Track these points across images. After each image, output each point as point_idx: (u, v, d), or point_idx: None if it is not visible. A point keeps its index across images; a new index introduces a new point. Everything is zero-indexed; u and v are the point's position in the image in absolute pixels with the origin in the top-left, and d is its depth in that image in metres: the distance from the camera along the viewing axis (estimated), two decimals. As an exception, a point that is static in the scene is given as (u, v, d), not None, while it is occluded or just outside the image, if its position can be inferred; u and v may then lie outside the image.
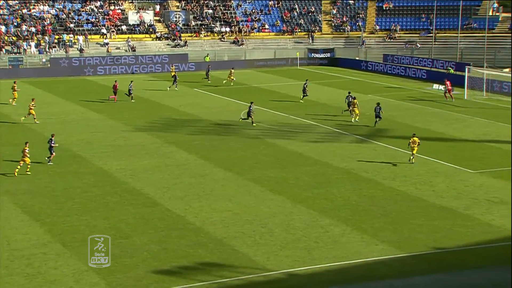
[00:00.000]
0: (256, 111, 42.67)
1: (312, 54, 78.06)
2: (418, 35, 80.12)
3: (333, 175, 31.30)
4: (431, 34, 75.73)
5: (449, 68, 63.12)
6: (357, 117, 43.36)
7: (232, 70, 61.06)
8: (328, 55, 77.92)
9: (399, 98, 52.80)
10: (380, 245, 22.61)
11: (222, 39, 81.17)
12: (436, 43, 76.00)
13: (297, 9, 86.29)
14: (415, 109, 47.76)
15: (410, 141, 33.58)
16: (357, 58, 76.01)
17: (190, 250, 22.12)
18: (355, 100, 44.04)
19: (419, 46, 77.25)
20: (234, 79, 59.79)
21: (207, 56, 74.72)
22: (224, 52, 78.45)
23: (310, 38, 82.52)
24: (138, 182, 30.05)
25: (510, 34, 74.41)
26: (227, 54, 78.32)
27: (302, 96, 51.01)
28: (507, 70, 65.55)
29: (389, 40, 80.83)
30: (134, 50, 75.59)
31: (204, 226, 24.31)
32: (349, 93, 46.17)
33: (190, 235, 23.14)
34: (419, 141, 33.53)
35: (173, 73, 59.05)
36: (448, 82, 52.34)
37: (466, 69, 54.57)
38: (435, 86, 57.76)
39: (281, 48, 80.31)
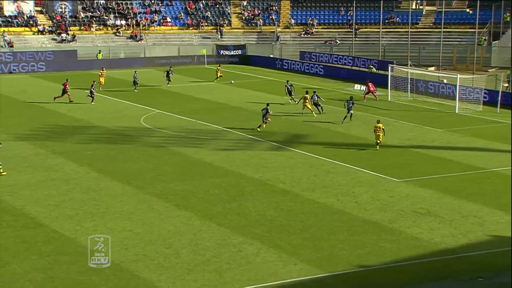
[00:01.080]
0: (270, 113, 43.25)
1: (221, 51, 78.46)
2: (337, 30, 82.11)
3: (246, 187, 31.48)
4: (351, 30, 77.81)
5: (371, 66, 65.10)
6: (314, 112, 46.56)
7: (219, 67, 63.81)
8: (239, 52, 78.59)
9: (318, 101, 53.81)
10: (299, 264, 22.88)
11: (117, 34, 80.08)
12: (356, 39, 78.13)
13: (203, 0, 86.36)
14: (336, 112, 48.87)
15: (375, 128, 37.84)
16: (271, 56, 77.08)
17: (82, 277, 21.54)
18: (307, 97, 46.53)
19: (339, 42, 79.16)
20: (221, 75, 62.64)
21: (100, 53, 73.51)
22: (120, 49, 77.48)
23: (219, 33, 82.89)
24: (18, 200, 29.05)
25: (435, 29, 77.51)
26: (123, 50, 77.39)
27: (290, 98, 51.49)
28: (432, 68, 68.40)
29: (305, 35, 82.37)
30: (12, 46, 73.07)
31: (99, 249, 23.74)
32: (314, 92, 48.75)
33: (82, 260, 22.53)
34: (383, 127, 37.92)
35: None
36: (370, 84, 53.93)
37: (389, 67, 56.41)
38: (357, 86, 59.37)
39: (185, 45, 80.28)
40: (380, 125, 38.05)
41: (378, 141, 38.07)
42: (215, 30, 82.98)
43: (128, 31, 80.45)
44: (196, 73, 69.78)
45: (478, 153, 38.05)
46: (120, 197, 29.82)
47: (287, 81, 50.97)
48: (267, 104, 44.00)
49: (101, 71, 59.20)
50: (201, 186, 31.56)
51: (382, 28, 74.02)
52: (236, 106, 51.65)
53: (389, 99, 54.11)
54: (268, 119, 42.76)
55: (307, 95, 47.40)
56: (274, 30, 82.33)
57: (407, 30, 71.33)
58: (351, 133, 42.75)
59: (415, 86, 55.91)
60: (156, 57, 75.54)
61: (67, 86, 51.32)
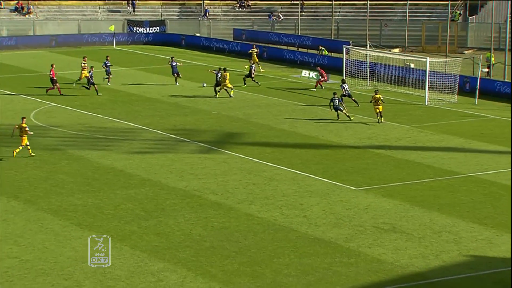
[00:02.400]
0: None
1: (134, 28, 77.92)
2: (279, 2, 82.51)
3: (168, 200, 31.34)
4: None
5: (322, 48, 65.72)
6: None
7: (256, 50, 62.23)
8: (157, 29, 78.23)
9: (256, 90, 54.11)
10: (234, 295, 22.93)
11: (-2, 6, 78.52)
12: (303, 13, 78.72)
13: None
14: (279, 104, 49.14)
15: (372, 100, 42.82)
16: (197, 35, 76.95)
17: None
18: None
19: (282, 17, 79.63)
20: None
21: None
22: (2, 25, 75.96)
23: (130, 5, 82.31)
24: None
25: (399, 2, 78.62)
26: (5, 27, 75.95)
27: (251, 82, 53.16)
28: (396, 50, 69.47)
29: (240, 9, 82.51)
30: None
31: (-22, 282, 23.35)
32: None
33: None
34: (382, 97, 42.87)
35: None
36: (321, 70, 54.41)
37: (344, 49, 57.03)
38: (305, 72, 59.86)
39: (88, 20, 79.44)
40: (379, 95, 43.05)
41: (379, 115, 43.59)
42: (126, 1, 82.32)
43: (12, 2, 78.99)
44: (102, 56, 68.99)
45: (453, 155, 38.83)
46: (3, 215, 29.25)
47: (219, 68, 51.06)
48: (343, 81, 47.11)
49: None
50: (109, 200, 31.23)
51: (335, 1, 74.84)
52: (153, 98, 51.38)
53: (344, 88, 54.66)
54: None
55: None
56: (200, 2, 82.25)
57: (365, 3, 72.23)
58: (297, 131, 43.07)
59: (376, 72, 56.67)
60: (49, 35, 74.44)
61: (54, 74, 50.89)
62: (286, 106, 48.64)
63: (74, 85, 52.38)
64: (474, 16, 76.23)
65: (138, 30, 77.72)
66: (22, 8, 78.46)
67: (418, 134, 42.90)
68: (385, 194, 32.45)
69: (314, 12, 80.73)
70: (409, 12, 68.38)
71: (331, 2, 74.02)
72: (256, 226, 28.63)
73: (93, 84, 50.45)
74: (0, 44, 70.73)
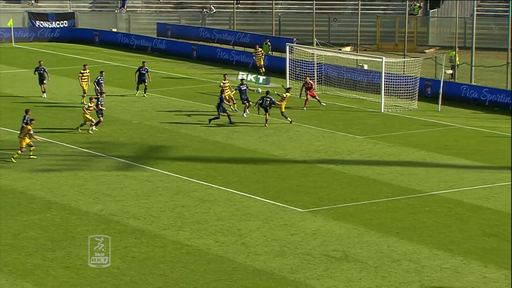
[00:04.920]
0: None
1: (37, 22, 77.05)
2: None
3: (79, 227, 31.04)
4: None
5: (268, 43, 65.07)
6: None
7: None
8: (65, 24, 77.49)
9: (184, 96, 53.95)
10: None
11: None
12: (240, 6, 78.84)
13: None
14: (211, 113, 49.05)
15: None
16: (113, 30, 76.44)
17: None
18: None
19: (215, 10, 79.66)
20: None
21: None
22: None
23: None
24: None
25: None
26: None
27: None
28: (347, 49, 69.98)
29: (165, 0, 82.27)
30: None
31: None
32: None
33: None
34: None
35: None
36: (310, 82, 52.19)
37: (287, 47, 57.20)
38: (242, 74, 59.85)
39: (-20, 12, 78.22)
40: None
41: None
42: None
43: None
44: None
45: (413, 170, 39.22)
46: None
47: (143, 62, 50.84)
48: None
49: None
50: (7, 227, 30.79)
51: (276, -9, 75.12)
52: (59, 104, 50.85)
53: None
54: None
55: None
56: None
57: (312, -7, 72.60)
58: (234, 143, 43.08)
59: (324, 74, 56.98)
60: None
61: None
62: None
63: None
64: (435, 10, 77.11)
65: (42, 24, 76.84)
66: None
67: (373, 146, 43.24)
68: (336, 216, 32.60)
69: (252, 4, 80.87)
70: (361, 5, 68.90)
71: (272, -8, 74.09)
72: (185, 256, 28.50)
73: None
74: None
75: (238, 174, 38.04)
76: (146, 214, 32.47)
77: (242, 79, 50.02)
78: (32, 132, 39.02)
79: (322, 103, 51.16)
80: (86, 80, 50.60)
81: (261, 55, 61.06)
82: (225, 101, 46.14)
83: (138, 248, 29.09)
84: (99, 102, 44.41)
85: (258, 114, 46.28)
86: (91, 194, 34.69)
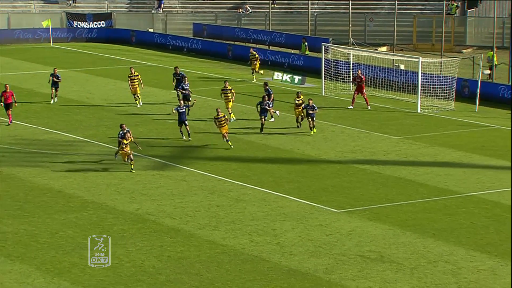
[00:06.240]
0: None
1: (75, 23, 77.50)
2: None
3: (115, 226, 31.20)
4: None
5: (305, 42, 65.07)
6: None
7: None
8: (102, 24, 77.88)
9: (219, 96, 53.87)
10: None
11: None
12: (276, 6, 78.81)
13: None
14: (247, 112, 49.06)
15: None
16: (150, 30, 76.74)
17: None
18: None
19: (250, 10, 79.71)
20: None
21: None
22: None
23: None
24: None
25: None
26: None
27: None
28: (384, 49, 69.72)
29: (201, 0, 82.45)
30: None
31: None
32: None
33: None
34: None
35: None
36: (362, 76, 51.52)
37: (323, 47, 57.08)
38: (277, 75, 59.84)
39: (19, 13, 78.92)
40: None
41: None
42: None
43: None
44: (37, 55, 68.73)
45: (449, 171, 39.02)
46: None
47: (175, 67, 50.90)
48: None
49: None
50: (45, 226, 31.01)
51: (312, -9, 75.02)
52: (98, 105, 51.13)
53: (323, 94, 54.78)
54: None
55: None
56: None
57: (348, -7, 72.46)
58: (269, 143, 43.04)
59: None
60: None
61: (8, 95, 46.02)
62: (255, 114, 48.48)
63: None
64: (473, 9, 76.67)
65: (79, 25, 77.26)
66: None
67: (410, 146, 43.05)
68: (372, 217, 32.51)
69: (288, 4, 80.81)
70: (398, 5, 68.73)
71: (307, -8, 74.05)
72: (220, 255, 28.54)
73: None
74: None
75: (273, 174, 38.02)
76: (182, 214, 32.58)
77: (266, 84, 48.31)
78: (132, 139, 38.12)
79: (368, 106, 50.73)
80: (136, 82, 49.59)
81: (255, 59, 58.86)
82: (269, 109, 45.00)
83: (173, 247, 29.19)
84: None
85: (257, 111, 45.00)
86: (127, 194, 34.86)
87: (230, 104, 46.73)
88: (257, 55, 59.00)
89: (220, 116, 41.18)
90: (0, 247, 29.00)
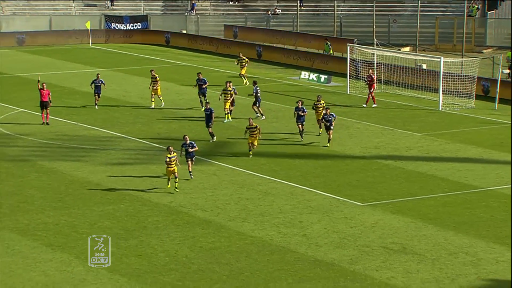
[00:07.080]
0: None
1: (113, 24, 77.87)
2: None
3: (150, 217, 31.42)
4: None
5: (328, 43, 65.06)
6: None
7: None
8: (138, 26, 78.17)
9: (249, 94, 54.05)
10: (225, 325, 22.94)
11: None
12: (303, 8, 78.85)
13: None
14: (274, 110, 49.15)
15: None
16: (183, 32, 76.95)
17: None
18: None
19: (279, 12, 79.75)
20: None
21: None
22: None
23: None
24: None
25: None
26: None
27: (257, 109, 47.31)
28: (407, 49, 69.57)
29: (232, 3, 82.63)
30: None
31: None
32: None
33: None
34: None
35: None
36: (372, 76, 51.39)
37: (348, 48, 57.06)
38: (304, 74, 59.92)
39: (60, 15, 79.36)
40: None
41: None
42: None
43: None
44: (77, 55, 69.09)
45: (470, 166, 38.93)
46: (-35, 234, 29.26)
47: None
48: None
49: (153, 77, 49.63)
50: (84, 217, 31.26)
51: (338, -7, 74.93)
52: (135, 103, 51.38)
53: (348, 92, 54.79)
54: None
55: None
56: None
57: (372, -5, 72.31)
58: (295, 139, 43.07)
59: (384, 74, 56.73)
60: (16, 32, 74.33)
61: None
62: (282, 111, 48.61)
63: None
64: (493, 11, 76.28)
65: (117, 26, 77.62)
66: (-14, 2, 78.38)
67: (431, 143, 42.98)
68: (394, 210, 32.52)
69: (315, 6, 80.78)
70: (421, 7, 68.48)
71: (333, -5, 73.94)
72: (249, 246, 28.66)
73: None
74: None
75: (300, 168, 38.10)
76: (213, 206, 32.74)
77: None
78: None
79: (374, 104, 50.56)
80: (157, 84, 48.74)
81: (245, 63, 57.01)
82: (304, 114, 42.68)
83: (205, 238, 29.36)
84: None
85: (294, 116, 44.37)
86: (161, 187, 35.03)
87: (228, 105, 46.41)
88: (246, 59, 57.61)
89: (253, 126, 39.27)
90: (42, 237, 29.28)
